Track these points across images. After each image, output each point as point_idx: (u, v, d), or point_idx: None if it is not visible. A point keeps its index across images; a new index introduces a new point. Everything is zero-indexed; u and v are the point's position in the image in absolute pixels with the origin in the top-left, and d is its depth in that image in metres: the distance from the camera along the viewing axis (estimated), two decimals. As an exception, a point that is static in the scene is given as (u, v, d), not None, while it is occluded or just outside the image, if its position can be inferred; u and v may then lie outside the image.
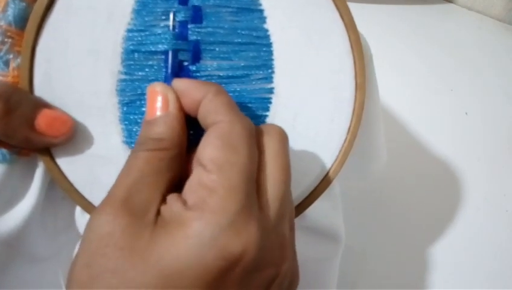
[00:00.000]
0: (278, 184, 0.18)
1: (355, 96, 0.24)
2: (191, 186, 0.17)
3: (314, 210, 0.25)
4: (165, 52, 0.21)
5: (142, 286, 0.15)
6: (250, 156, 0.17)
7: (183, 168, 0.19)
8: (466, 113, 0.78)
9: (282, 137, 0.19)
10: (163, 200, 0.17)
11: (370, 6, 0.99)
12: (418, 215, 0.64)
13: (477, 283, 0.57)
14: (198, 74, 0.22)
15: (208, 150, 0.17)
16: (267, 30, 0.22)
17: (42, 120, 0.20)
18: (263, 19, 0.22)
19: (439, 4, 1.07)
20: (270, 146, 0.19)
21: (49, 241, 0.24)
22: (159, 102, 0.18)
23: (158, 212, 0.17)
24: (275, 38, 0.23)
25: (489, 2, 1.02)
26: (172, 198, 0.17)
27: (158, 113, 0.18)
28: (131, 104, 0.22)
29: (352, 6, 0.23)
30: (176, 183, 0.18)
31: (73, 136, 0.21)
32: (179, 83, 0.19)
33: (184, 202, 0.16)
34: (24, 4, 0.20)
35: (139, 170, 0.17)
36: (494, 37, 0.97)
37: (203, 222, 0.15)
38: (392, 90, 0.77)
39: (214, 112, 0.18)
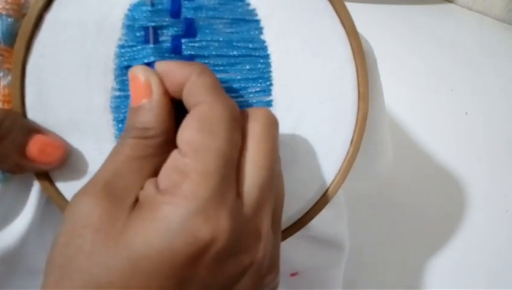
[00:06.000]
0: (259, 170, 0.17)
1: (358, 106, 0.23)
2: (165, 170, 0.17)
3: (319, 219, 0.25)
4: None
5: (111, 269, 0.14)
6: (230, 140, 0.16)
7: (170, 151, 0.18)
8: (466, 113, 0.78)
9: (269, 121, 0.18)
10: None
11: (370, 6, 0.99)
12: (418, 215, 0.64)
13: (477, 283, 0.57)
14: None
15: (184, 133, 0.16)
16: (264, 41, 0.22)
17: (34, 146, 0.19)
18: (260, 30, 0.21)
19: (439, 4, 1.07)
20: (254, 130, 0.18)
21: (47, 254, 0.24)
22: (142, 88, 0.18)
23: (135, 201, 0.17)
24: (272, 49, 0.22)
25: (489, 2, 1.02)
26: (148, 183, 0.17)
27: (142, 100, 0.18)
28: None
29: (352, 6, 0.22)
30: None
31: (68, 158, 0.21)
32: (162, 66, 0.18)
33: (157, 186, 0.16)
34: (11, 20, 0.19)
35: (124, 156, 0.17)
36: (494, 37, 0.97)
37: (172, 206, 0.15)
38: (391, 90, 0.77)
39: (196, 93, 0.17)
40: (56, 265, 0.15)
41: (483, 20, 1.02)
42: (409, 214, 0.64)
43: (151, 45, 0.20)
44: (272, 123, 0.19)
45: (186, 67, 0.18)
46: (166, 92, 0.18)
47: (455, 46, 0.93)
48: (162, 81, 0.18)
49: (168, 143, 0.18)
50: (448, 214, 0.65)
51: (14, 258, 0.22)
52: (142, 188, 0.17)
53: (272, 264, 0.19)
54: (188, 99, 0.17)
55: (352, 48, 0.22)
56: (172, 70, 0.18)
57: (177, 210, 0.15)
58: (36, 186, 0.22)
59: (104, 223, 0.15)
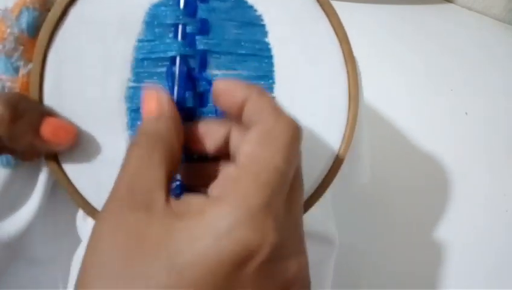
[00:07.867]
0: (301, 192, 0.19)
1: (349, 106, 0.25)
2: (218, 179, 0.17)
3: (309, 218, 0.25)
4: (174, 59, 0.22)
5: (149, 278, 0.14)
6: (287, 158, 0.17)
7: (179, 164, 0.19)
8: (466, 113, 0.78)
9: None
10: (168, 194, 0.17)
11: (370, 6, 0.99)
12: (418, 215, 0.64)
13: (477, 283, 0.58)
14: (204, 82, 0.23)
15: (245, 146, 0.17)
16: (268, 44, 0.24)
17: (47, 128, 0.21)
18: (265, 33, 0.24)
19: (439, 4, 1.07)
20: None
21: (49, 244, 0.25)
22: (153, 105, 0.19)
23: (165, 206, 0.16)
24: (274, 51, 0.24)
25: (489, 2, 1.02)
26: (189, 195, 0.17)
27: (153, 113, 0.19)
28: (139, 110, 0.23)
29: (352, 6, 0.24)
30: (173, 177, 0.19)
31: (79, 142, 0.22)
32: (221, 84, 0.19)
33: (207, 196, 0.16)
34: (37, 13, 0.21)
35: (135, 166, 0.17)
36: (494, 37, 0.97)
37: (221, 212, 0.15)
38: (391, 90, 0.77)
39: (259, 111, 0.18)
40: (82, 273, 0.15)
41: (483, 20, 1.02)
42: (408, 214, 0.64)
43: (168, 40, 0.22)
44: None
45: (246, 87, 0.19)
46: (174, 107, 0.19)
47: (455, 46, 0.92)
48: (171, 100, 0.19)
49: (178, 153, 0.19)
50: (448, 214, 0.65)
51: (18, 243, 0.23)
52: (167, 195, 0.17)
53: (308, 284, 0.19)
54: (250, 117, 0.18)
55: (344, 53, 0.25)
56: (233, 89, 0.19)
57: (226, 215, 0.15)
58: (43, 175, 0.23)
59: (138, 234, 0.15)
